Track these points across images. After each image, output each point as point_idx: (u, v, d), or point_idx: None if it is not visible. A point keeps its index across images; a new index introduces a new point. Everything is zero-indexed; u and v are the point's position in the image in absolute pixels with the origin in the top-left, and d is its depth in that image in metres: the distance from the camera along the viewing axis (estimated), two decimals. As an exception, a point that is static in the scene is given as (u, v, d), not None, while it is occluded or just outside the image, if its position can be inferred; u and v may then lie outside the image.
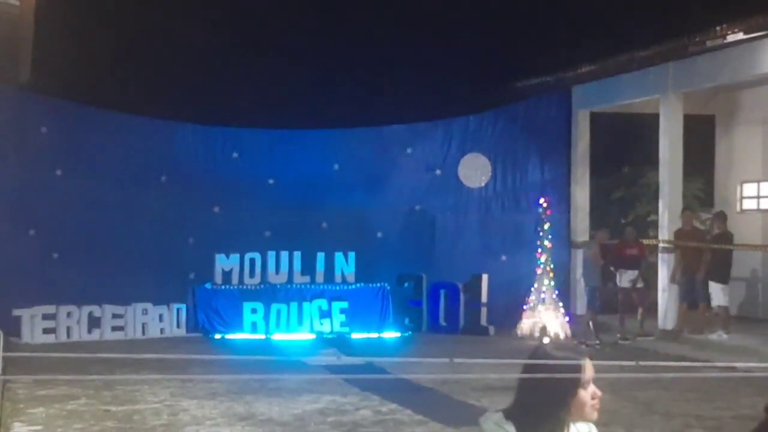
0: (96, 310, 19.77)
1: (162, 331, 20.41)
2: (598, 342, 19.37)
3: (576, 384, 4.58)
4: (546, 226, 21.68)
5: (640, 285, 20.78)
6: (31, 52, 18.91)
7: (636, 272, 20.75)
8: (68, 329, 19.22)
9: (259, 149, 22.45)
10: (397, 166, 23.13)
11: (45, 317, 18.53)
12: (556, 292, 21.14)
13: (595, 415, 4.67)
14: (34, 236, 19.63)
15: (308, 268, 21.20)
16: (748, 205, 23.77)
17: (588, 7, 28.50)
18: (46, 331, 18.47)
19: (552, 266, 21.54)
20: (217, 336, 20.11)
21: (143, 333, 20.13)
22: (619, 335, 19.95)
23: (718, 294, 21.13)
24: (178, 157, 21.76)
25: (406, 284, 21.40)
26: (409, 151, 23.33)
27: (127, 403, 12.63)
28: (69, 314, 19.32)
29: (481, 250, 22.45)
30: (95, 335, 19.47)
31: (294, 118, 23.56)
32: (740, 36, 19.17)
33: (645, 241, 21.60)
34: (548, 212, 21.89)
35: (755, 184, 23.25)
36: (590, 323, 19.93)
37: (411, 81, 28.47)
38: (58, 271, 19.63)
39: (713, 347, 18.97)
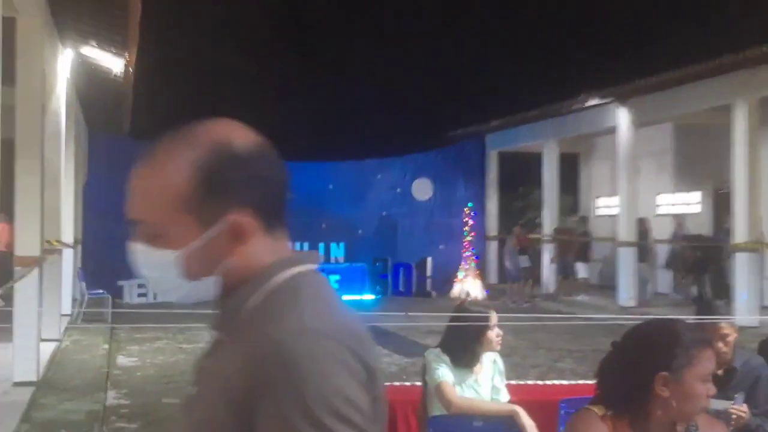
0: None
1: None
2: (527, 302, 19.52)
3: (486, 327, 4.55)
4: (469, 226, 21.95)
5: (529, 264, 20.93)
6: (130, 111, 18.96)
7: (527, 256, 20.89)
8: (155, 294, 19.20)
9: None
10: (371, 186, 23.25)
11: (139, 286, 18.49)
12: (476, 269, 21.33)
13: (498, 348, 4.66)
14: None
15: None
16: (600, 212, 24.01)
17: (495, 83, 28.89)
18: (140, 295, 18.40)
19: (473, 252, 21.80)
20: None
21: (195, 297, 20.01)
22: (519, 298, 20.04)
23: (582, 270, 21.40)
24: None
25: (377, 264, 21.47)
26: (379, 176, 23.45)
27: (194, 342, 12.63)
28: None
29: (427, 242, 22.51)
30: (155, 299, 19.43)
31: (303, 153, 23.74)
32: (595, 102, 19.42)
33: (531, 236, 21.86)
34: (470, 217, 22.16)
35: (605, 198, 23.46)
36: (518, 289, 20.16)
37: (382, 130, 28.76)
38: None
39: (579, 305, 19.12)
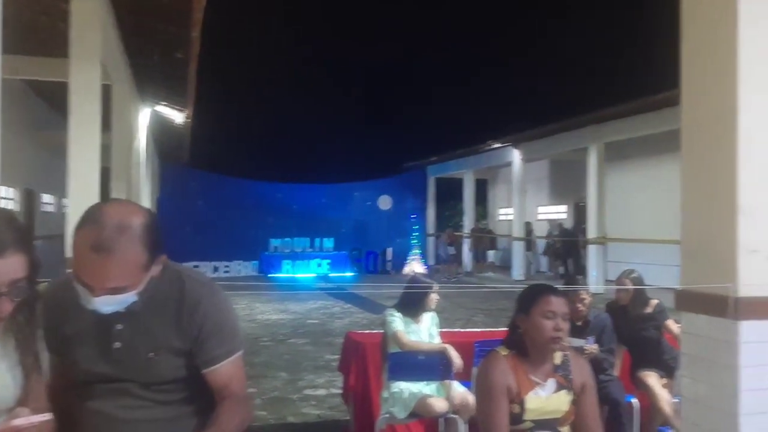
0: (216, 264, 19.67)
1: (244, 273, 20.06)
2: (454, 277, 19.44)
3: (428, 292, 4.43)
4: (415, 227, 21.96)
5: (455, 252, 21.00)
6: (188, 148, 18.79)
7: (454, 247, 20.95)
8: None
9: (289, 193, 22.38)
10: (351, 201, 23.10)
11: (194, 267, 18.32)
12: (420, 255, 21.34)
13: (434, 307, 4.50)
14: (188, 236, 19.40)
15: (313, 245, 21.13)
16: (501, 218, 24.11)
17: (434, 132, 28.87)
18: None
19: (418, 243, 21.80)
20: (270, 275, 19.62)
21: (237, 273, 19.66)
22: (449, 275, 20.12)
23: (490, 256, 21.53)
24: (259, 198, 21.59)
25: (355, 252, 21.40)
26: (356, 194, 23.34)
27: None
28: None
29: (387, 237, 22.41)
30: (216, 274, 19.16)
31: (305, 177, 23.75)
32: (498, 145, 19.52)
33: (456, 233, 21.89)
34: (416, 221, 22.16)
35: (504, 209, 23.58)
36: (448, 268, 20.17)
37: (360, 162, 28.67)
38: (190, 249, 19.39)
39: (487, 279, 19.21)
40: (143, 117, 12.98)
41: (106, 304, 1.58)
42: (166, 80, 10.81)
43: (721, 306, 2.82)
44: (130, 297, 1.60)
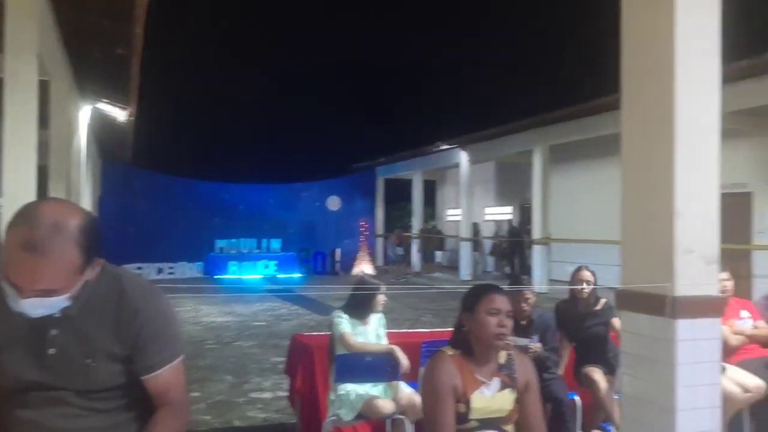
0: (160, 266, 19.23)
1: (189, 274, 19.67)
2: (403, 278, 19.49)
3: (376, 293, 4.39)
4: (364, 228, 21.94)
5: (403, 253, 21.07)
6: (131, 147, 18.31)
7: (402, 248, 21.03)
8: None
9: (236, 193, 22.07)
10: (299, 201, 22.96)
11: (136, 269, 17.91)
12: (369, 256, 21.33)
13: (381, 308, 4.45)
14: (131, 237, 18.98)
15: (260, 246, 20.89)
16: (449, 219, 24.28)
17: (383, 133, 28.97)
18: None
19: (366, 244, 21.76)
20: (216, 276, 19.27)
21: (182, 275, 19.26)
22: (397, 275, 20.18)
23: (438, 256, 21.70)
24: (205, 199, 21.22)
25: (303, 252, 21.23)
26: (305, 194, 23.20)
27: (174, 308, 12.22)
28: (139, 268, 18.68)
29: (336, 238, 22.35)
30: (160, 276, 18.85)
31: (253, 177, 23.49)
32: (446, 146, 19.69)
33: (405, 234, 21.98)
34: (365, 222, 22.15)
35: (452, 210, 23.79)
36: (396, 269, 20.16)
37: (308, 162, 28.49)
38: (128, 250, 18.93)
39: (436, 279, 19.31)
40: (84, 114, 12.64)
41: (35, 306, 1.51)
42: (108, 77, 10.51)
43: (659, 305, 2.91)
44: (60, 301, 1.54)
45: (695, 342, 2.88)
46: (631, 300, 3.12)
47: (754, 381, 4.40)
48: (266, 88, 37.92)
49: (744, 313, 4.87)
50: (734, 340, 4.69)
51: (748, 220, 12.28)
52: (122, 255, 17.20)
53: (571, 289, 4.89)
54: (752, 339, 4.77)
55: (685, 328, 2.88)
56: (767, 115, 11.27)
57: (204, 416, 5.55)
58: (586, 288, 4.81)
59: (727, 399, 3.83)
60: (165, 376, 1.69)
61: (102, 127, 15.17)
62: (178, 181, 21.42)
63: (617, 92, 3.27)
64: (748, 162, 12.10)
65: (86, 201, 14.13)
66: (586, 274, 4.85)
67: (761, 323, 4.85)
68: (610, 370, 4.64)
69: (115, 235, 17.99)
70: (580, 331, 4.80)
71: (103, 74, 10.39)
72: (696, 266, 2.94)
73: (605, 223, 13.08)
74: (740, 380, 4.38)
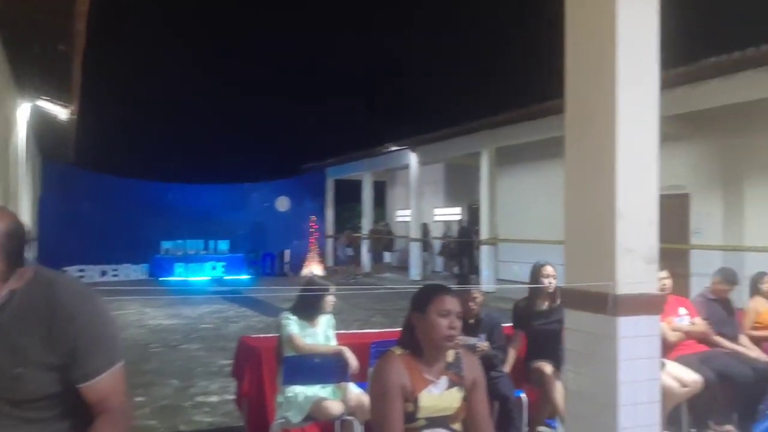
0: (104, 268, 18.69)
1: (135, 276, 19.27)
2: (353, 278, 19.41)
3: (324, 294, 4.36)
4: (313, 228, 21.79)
5: (353, 254, 21.04)
6: (73, 145, 17.75)
7: (352, 248, 21.01)
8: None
9: (182, 193, 21.64)
10: (248, 202, 22.67)
11: (80, 271, 17.43)
12: (318, 256, 21.21)
13: (330, 309, 4.42)
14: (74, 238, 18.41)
15: (207, 247, 20.55)
16: (399, 219, 24.33)
17: (333, 135, 28.92)
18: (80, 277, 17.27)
19: (317, 245, 21.64)
20: (161, 278, 18.90)
21: (127, 277, 18.83)
22: (347, 276, 20.14)
23: (388, 257, 21.74)
24: (150, 199, 20.74)
25: (251, 254, 21.00)
26: (253, 194, 22.92)
27: (117, 311, 11.95)
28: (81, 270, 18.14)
29: (285, 239, 22.13)
30: (104, 278, 18.35)
31: (200, 177, 23.08)
32: (396, 148, 19.76)
33: (355, 235, 21.96)
34: (314, 222, 22.00)
35: (402, 210, 23.88)
36: (346, 270, 20.08)
37: (257, 162, 28.19)
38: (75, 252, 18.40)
39: (385, 279, 19.32)
40: (23, 112, 12.19)
41: None
42: (48, 74, 10.15)
43: (602, 303, 2.98)
44: None
45: (636, 339, 2.96)
46: (574, 298, 3.18)
47: (691, 376, 4.55)
48: (214, 87, 37.33)
49: (682, 311, 5.04)
50: (673, 336, 4.85)
51: (686, 220, 12.68)
52: (64, 257, 16.79)
53: (531, 287, 4.88)
54: (689, 335, 4.94)
55: (626, 325, 2.95)
56: (703, 120, 11.69)
57: (149, 421, 5.43)
58: (553, 282, 4.81)
59: (666, 394, 3.97)
60: (104, 384, 1.64)
61: (42, 126, 14.66)
62: (122, 181, 20.84)
63: (562, 96, 3.33)
64: (686, 165, 12.52)
65: (25, 201, 13.66)
66: (549, 269, 4.86)
67: (698, 320, 5.03)
68: (559, 365, 4.72)
69: (56, 237, 17.45)
70: (537, 327, 4.80)
71: (43, 71, 10.04)
72: (636, 265, 3.02)
73: (552, 224, 13.32)
74: (678, 375, 4.53)
